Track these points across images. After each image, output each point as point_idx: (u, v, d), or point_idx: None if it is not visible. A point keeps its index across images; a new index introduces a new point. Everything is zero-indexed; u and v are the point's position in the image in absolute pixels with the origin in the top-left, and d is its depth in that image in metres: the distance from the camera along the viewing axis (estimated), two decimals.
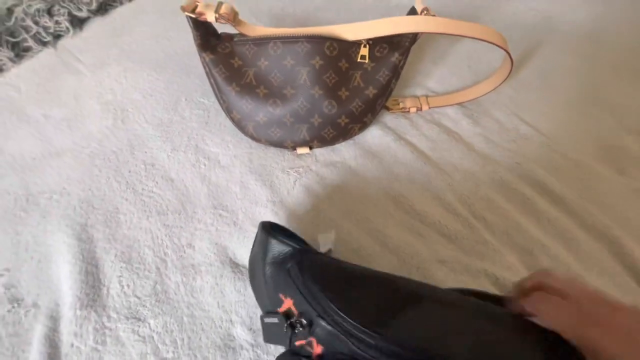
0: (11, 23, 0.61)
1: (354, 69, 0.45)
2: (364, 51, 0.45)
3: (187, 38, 0.62)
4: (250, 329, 0.36)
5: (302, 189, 0.46)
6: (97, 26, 0.65)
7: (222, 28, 0.47)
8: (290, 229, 0.37)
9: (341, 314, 0.25)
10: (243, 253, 0.41)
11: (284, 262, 0.29)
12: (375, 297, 0.27)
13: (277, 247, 0.30)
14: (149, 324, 0.36)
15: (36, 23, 0.62)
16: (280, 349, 0.34)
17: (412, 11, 0.45)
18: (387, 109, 0.52)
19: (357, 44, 0.45)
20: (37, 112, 0.53)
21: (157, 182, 0.46)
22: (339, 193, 0.46)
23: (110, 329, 0.36)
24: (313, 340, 0.27)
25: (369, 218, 0.44)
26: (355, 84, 0.46)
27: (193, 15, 0.43)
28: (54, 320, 0.36)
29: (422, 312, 0.26)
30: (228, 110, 0.48)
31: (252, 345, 0.36)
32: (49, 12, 0.63)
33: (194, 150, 0.49)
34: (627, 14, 0.66)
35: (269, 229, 0.32)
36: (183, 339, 0.36)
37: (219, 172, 0.47)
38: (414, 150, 0.49)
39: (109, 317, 0.37)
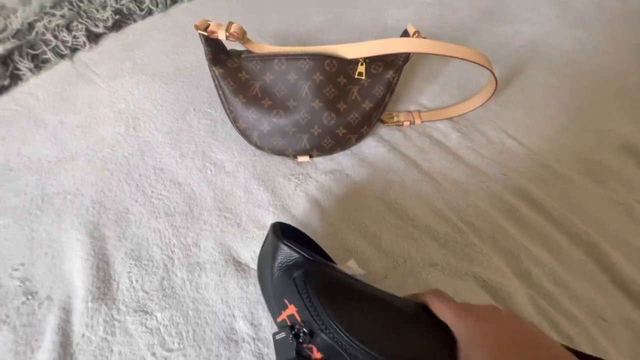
0: (32, 37, 0.65)
1: (351, 84, 0.49)
2: (361, 68, 0.49)
3: (195, 53, 0.66)
4: (252, 323, 0.39)
5: (302, 194, 0.49)
6: (111, 41, 0.69)
7: (231, 45, 0.51)
8: None
9: (341, 332, 0.26)
10: (246, 253, 0.44)
11: (291, 269, 0.31)
12: (375, 317, 0.29)
13: (286, 252, 0.32)
14: (156, 317, 0.39)
15: (55, 37, 0.66)
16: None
17: (405, 33, 0.49)
18: (383, 122, 0.56)
19: (354, 62, 0.49)
20: (54, 118, 0.56)
21: (165, 186, 0.49)
22: (336, 199, 0.49)
23: (120, 321, 0.38)
24: (313, 347, 0.28)
25: (364, 222, 0.46)
26: (353, 98, 0.50)
27: (205, 33, 0.47)
28: (66, 312, 0.38)
29: (417, 331, 0.28)
30: (234, 120, 0.51)
31: (254, 339, 0.38)
32: (68, 28, 0.68)
33: (201, 157, 0.52)
34: (604, 38, 0.72)
35: (280, 233, 0.33)
36: (188, 332, 0.38)
37: (224, 177, 0.50)
38: (407, 160, 0.53)
39: (118, 309, 0.39)
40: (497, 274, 0.43)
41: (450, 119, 0.58)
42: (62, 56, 0.65)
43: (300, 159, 0.52)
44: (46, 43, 0.65)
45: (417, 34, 0.47)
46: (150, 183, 0.49)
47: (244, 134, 0.51)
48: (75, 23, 0.68)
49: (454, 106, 0.58)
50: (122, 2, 0.73)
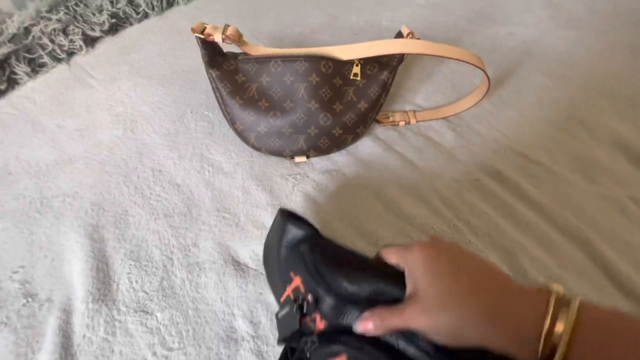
0: (28, 41, 0.66)
1: (347, 85, 0.50)
2: (356, 69, 0.50)
3: (191, 56, 0.67)
4: (251, 321, 0.39)
5: (299, 193, 0.49)
6: (108, 44, 0.70)
7: (227, 48, 0.52)
8: None
9: (347, 285, 0.27)
10: (245, 252, 0.44)
11: (298, 244, 0.32)
12: (375, 276, 0.30)
13: (293, 232, 0.33)
14: (156, 316, 0.39)
15: (52, 41, 0.66)
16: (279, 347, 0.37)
17: (399, 35, 0.50)
18: (378, 122, 0.57)
19: (350, 63, 0.50)
20: (51, 122, 0.57)
21: (164, 187, 0.50)
22: (333, 198, 0.49)
23: (120, 321, 0.38)
24: (317, 316, 0.29)
25: (361, 220, 0.47)
26: (349, 99, 0.50)
27: (202, 36, 0.48)
28: (67, 313, 0.39)
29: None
30: (232, 122, 0.52)
31: (253, 337, 0.38)
32: (64, 32, 0.68)
33: (199, 159, 0.53)
34: (596, 40, 0.73)
35: (287, 216, 0.35)
36: (188, 331, 0.38)
37: (222, 178, 0.51)
38: (402, 159, 0.53)
39: (118, 310, 0.39)
40: None
41: (444, 118, 0.59)
42: (58, 60, 0.66)
43: (297, 159, 0.53)
44: (43, 47, 0.65)
45: (411, 35, 0.48)
46: (148, 185, 0.50)
47: (242, 135, 0.52)
48: (71, 27, 0.69)
49: (448, 106, 0.59)
50: (118, 6, 0.73)
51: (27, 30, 0.67)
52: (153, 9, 0.75)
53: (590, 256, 0.46)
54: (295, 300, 0.30)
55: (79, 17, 0.71)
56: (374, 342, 0.27)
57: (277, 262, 0.33)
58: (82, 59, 0.67)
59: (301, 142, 0.51)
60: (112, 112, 0.58)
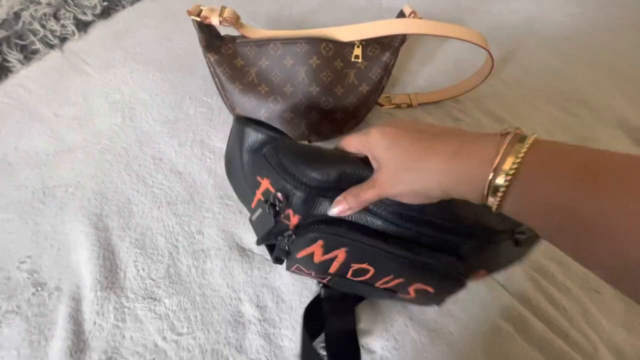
0: (19, 26, 0.64)
1: (348, 68, 0.49)
2: (358, 51, 0.48)
3: (188, 40, 0.65)
4: (258, 305, 0.40)
5: None
6: (101, 29, 0.68)
7: (225, 31, 0.50)
8: None
9: (314, 175, 0.28)
10: (249, 238, 0.44)
11: (260, 148, 0.32)
12: (339, 162, 0.30)
13: (254, 136, 0.32)
14: (165, 303, 0.40)
15: (43, 26, 0.64)
16: (287, 319, 0.38)
17: (401, 14, 0.49)
18: (380, 105, 0.56)
19: (351, 45, 0.48)
20: (48, 111, 0.56)
21: (166, 175, 0.49)
22: None
23: (129, 308, 0.39)
24: (290, 212, 0.29)
25: None
26: (350, 82, 0.50)
27: (198, 19, 0.46)
28: (77, 301, 0.39)
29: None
30: (231, 107, 0.51)
31: (260, 320, 0.39)
32: (55, 16, 0.66)
33: (200, 145, 0.52)
34: (600, 15, 0.71)
35: (245, 121, 0.33)
36: (196, 316, 0.39)
37: (223, 165, 0.50)
38: None
39: (127, 297, 0.40)
40: None
41: (447, 100, 0.58)
42: (51, 46, 0.64)
43: None
44: (34, 33, 0.64)
45: (413, 14, 0.47)
46: (150, 173, 0.49)
47: None
48: (62, 11, 0.66)
49: (451, 87, 0.58)
50: None
51: (16, 15, 0.65)
52: None
53: None
54: (267, 201, 0.30)
55: (70, 1, 0.68)
56: (346, 224, 0.28)
57: (242, 170, 0.33)
58: (75, 44, 0.65)
59: (302, 128, 0.50)
60: (110, 100, 0.57)
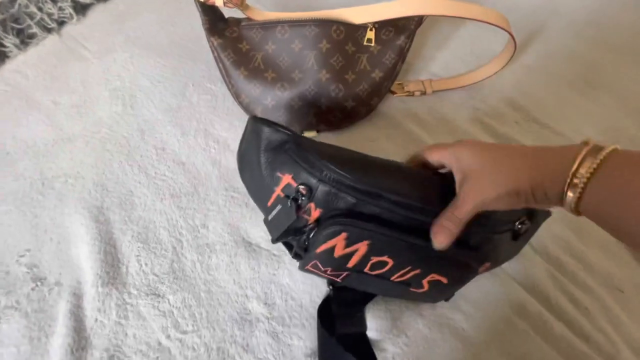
0: (15, 10, 0.61)
1: (360, 52, 0.46)
2: (370, 34, 0.46)
3: (191, 24, 0.62)
4: (265, 303, 0.38)
5: None
6: (100, 12, 0.65)
7: (229, 13, 0.48)
8: None
9: (338, 170, 0.28)
10: (255, 232, 0.43)
11: (280, 146, 0.32)
12: (373, 162, 0.32)
13: (272, 135, 0.32)
14: (168, 299, 0.38)
15: (40, 9, 0.62)
16: (297, 317, 0.36)
17: None
18: (392, 92, 0.53)
19: (363, 28, 0.45)
20: (46, 98, 0.54)
21: (168, 166, 0.47)
22: None
23: (132, 305, 0.38)
24: (312, 205, 0.29)
25: None
26: (362, 67, 0.47)
27: (201, 0, 0.44)
28: (77, 297, 0.38)
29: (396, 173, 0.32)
30: (236, 95, 0.48)
31: (268, 318, 0.38)
32: None
33: (204, 135, 0.50)
34: None
35: (261, 121, 0.33)
36: (201, 313, 0.38)
37: (228, 155, 0.48)
38: (416, 133, 0.50)
39: (129, 293, 0.38)
40: None
41: (463, 87, 0.55)
42: (48, 30, 0.61)
43: (307, 134, 0.50)
44: (31, 16, 0.61)
45: None
46: (152, 164, 0.47)
47: (247, 109, 0.49)
48: None
49: (468, 74, 0.55)
50: None
51: None
52: None
53: None
54: (287, 196, 0.30)
55: None
56: (367, 217, 0.29)
57: (259, 169, 0.32)
58: (74, 28, 0.62)
59: (311, 116, 0.48)
60: (110, 87, 0.55)
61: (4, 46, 0.58)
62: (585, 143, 0.24)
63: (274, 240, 0.32)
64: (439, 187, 0.31)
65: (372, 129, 0.51)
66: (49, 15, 0.62)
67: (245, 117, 0.51)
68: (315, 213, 0.29)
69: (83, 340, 0.36)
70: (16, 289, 0.38)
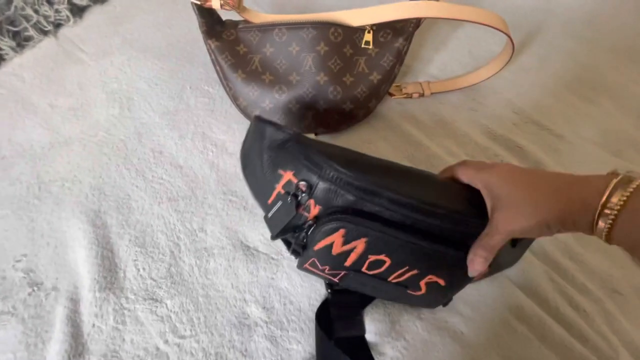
0: (11, 12, 0.61)
1: (358, 55, 0.46)
2: (368, 37, 0.45)
3: (188, 26, 0.62)
4: (264, 307, 0.38)
5: None
6: (97, 15, 0.65)
7: (226, 16, 0.47)
8: None
9: (339, 168, 0.29)
10: (254, 236, 0.42)
11: (282, 144, 0.32)
12: (375, 162, 0.34)
13: (275, 134, 0.33)
14: (166, 304, 0.38)
15: (36, 12, 0.61)
16: (296, 321, 0.36)
17: None
18: (390, 94, 0.53)
19: (361, 30, 0.45)
20: (43, 101, 0.53)
21: (166, 169, 0.47)
22: None
23: (129, 310, 0.37)
24: (311, 202, 0.30)
25: None
26: (360, 70, 0.47)
27: (198, 2, 0.43)
28: (74, 302, 0.38)
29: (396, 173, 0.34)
30: (234, 98, 0.48)
31: (266, 322, 0.37)
32: (49, 1, 0.63)
33: (201, 138, 0.50)
34: None
35: (264, 121, 0.34)
36: (199, 318, 0.37)
37: (226, 158, 0.48)
38: (415, 135, 0.50)
39: (127, 298, 0.38)
40: None
41: (461, 89, 0.55)
42: (45, 33, 0.61)
43: None
44: (27, 19, 0.61)
45: None
46: (150, 167, 0.47)
47: (245, 112, 0.49)
48: None
49: (466, 75, 0.55)
50: None
51: (8, 1, 0.62)
52: None
53: None
54: (288, 193, 0.30)
55: None
56: (366, 215, 0.29)
57: (261, 167, 0.33)
58: (70, 31, 0.62)
59: (309, 119, 0.47)
60: (107, 90, 0.55)
61: (0, 49, 0.58)
62: (614, 173, 0.25)
63: (274, 237, 0.32)
64: (451, 191, 0.31)
65: (370, 132, 0.51)
66: (46, 17, 0.61)
67: (243, 120, 0.51)
68: (315, 210, 0.30)
69: (80, 346, 0.35)
70: (12, 294, 0.38)
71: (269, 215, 0.32)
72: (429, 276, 0.31)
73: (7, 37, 0.59)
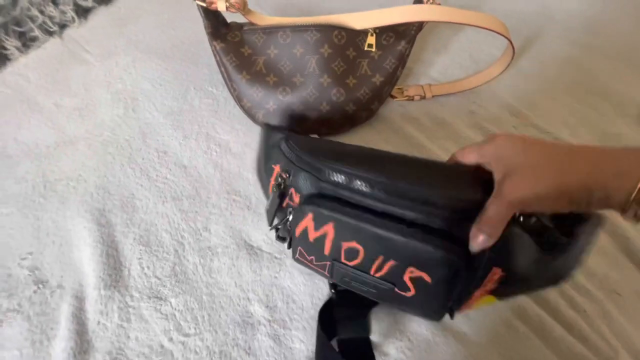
0: (17, 12, 0.62)
1: (361, 57, 0.47)
2: (371, 39, 0.46)
3: (192, 27, 0.63)
4: (267, 306, 0.38)
5: None
6: (102, 16, 0.65)
7: (231, 17, 0.48)
8: None
9: (309, 157, 0.31)
10: (257, 235, 0.43)
11: (278, 142, 0.35)
12: (353, 150, 0.34)
13: (274, 136, 0.36)
14: (170, 302, 0.38)
15: (42, 12, 0.62)
16: (298, 319, 0.36)
17: (418, 0, 0.46)
18: (392, 97, 0.54)
19: (364, 33, 0.46)
20: (48, 101, 0.54)
21: (170, 169, 0.48)
22: None
23: (134, 308, 0.38)
24: (292, 190, 0.32)
25: None
26: (363, 72, 0.47)
27: (204, 4, 0.44)
28: (80, 300, 0.38)
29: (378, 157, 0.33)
30: (238, 99, 0.49)
31: (269, 321, 0.38)
32: (54, 2, 0.64)
33: (205, 138, 0.50)
34: (621, 3, 0.68)
35: (270, 127, 0.39)
36: (203, 316, 0.38)
37: (230, 158, 0.49)
38: (416, 137, 0.51)
39: (131, 296, 0.38)
40: None
41: (462, 92, 0.55)
42: (50, 33, 0.62)
43: None
44: (32, 19, 0.61)
45: (432, 0, 0.44)
46: (154, 167, 0.48)
47: (249, 113, 0.49)
48: None
49: (467, 79, 0.56)
50: None
51: (14, 1, 0.63)
52: None
53: (612, 235, 0.45)
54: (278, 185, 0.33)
55: None
56: (330, 198, 0.29)
57: (264, 166, 0.36)
58: (76, 32, 0.63)
59: (312, 120, 0.48)
60: (112, 90, 0.55)
61: (5, 49, 0.59)
62: None
63: (270, 227, 0.35)
64: (441, 172, 0.30)
65: (373, 133, 0.52)
66: (51, 18, 0.62)
67: (246, 121, 0.52)
68: (296, 198, 0.31)
69: (85, 344, 0.36)
70: (18, 292, 0.38)
71: (267, 207, 0.34)
72: (410, 268, 0.28)
73: (12, 37, 0.59)
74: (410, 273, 0.29)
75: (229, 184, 0.46)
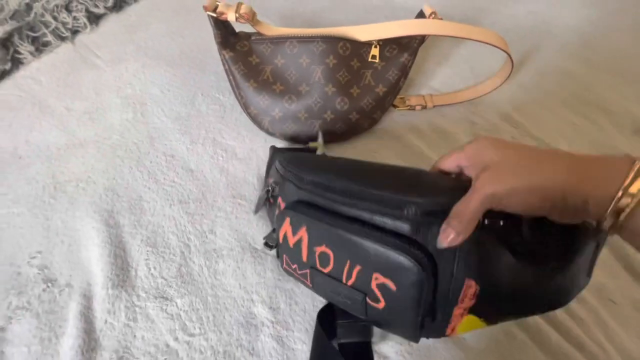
0: (31, 18, 0.63)
1: (365, 68, 0.48)
2: (375, 51, 0.48)
3: (200, 36, 0.64)
4: (270, 307, 0.39)
5: None
6: (113, 22, 0.67)
7: (239, 27, 0.50)
8: None
9: (293, 166, 0.34)
10: (261, 239, 0.44)
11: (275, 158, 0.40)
12: (343, 163, 0.37)
13: (276, 156, 0.39)
14: (176, 303, 0.39)
15: (55, 18, 0.64)
16: (301, 321, 0.37)
17: (421, 14, 0.48)
18: (394, 106, 0.55)
19: (368, 45, 0.48)
20: (60, 105, 0.55)
21: (177, 173, 0.49)
22: None
23: (141, 307, 0.39)
24: (280, 199, 0.35)
25: None
26: (366, 82, 0.49)
27: (214, 15, 0.46)
28: (87, 299, 0.39)
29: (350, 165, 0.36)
30: (245, 106, 0.50)
31: (273, 322, 0.39)
32: (67, 8, 0.65)
33: (212, 143, 0.52)
34: (618, 19, 0.70)
35: (274, 148, 0.45)
36: (208, 317, 0.39)
37: (236, 163, 0.50)
38: (417, 145, 0.52)
39: (138, 296, 0.39)
40: None
41: (462, 103, 0.57)
42: (62, 39, 0.63)
43: (312, 145, 0.51)
44: (46, 25, 0.63)
45: (434, 15, 0.46)
46: (162, 170, 0.49)
47: (255, 119, 0.51)
48: (74, 3, 0.66)
49: (467, 90, 0.57)
50: None
51: (28, 7, 0.65)
52: None
53: (608, 245, 0.46)
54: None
55: None
56: (304, 203, 0.31)
57: (265, 183, 0.41)
58: (87, 37, 0.64)
59: (316, 128, 0.49)
60: (121, 95, 0.57)
61: (19, 53, 0.60)
62: (629, 156, 0.23)
63: (254, 213, 0.42)
64: (416, 178, 0.31)
65: (375, 141, 0.53)
66: (64, 24, 0.64)
67: (252, 127, 0.53)
68: (282, 205, 0.34)
69: (93, 342, 0.37)
70: (27, 290, 0.39)
71: (255, 203, 0.40)
72: (375, 274, 0.27)
73: (26, 42, 0.61)
74: (375, 280, 0.27)
75: (234, 188, 0.48)
